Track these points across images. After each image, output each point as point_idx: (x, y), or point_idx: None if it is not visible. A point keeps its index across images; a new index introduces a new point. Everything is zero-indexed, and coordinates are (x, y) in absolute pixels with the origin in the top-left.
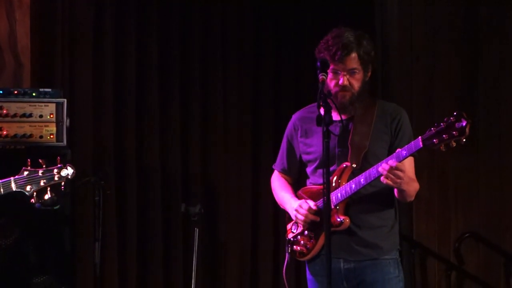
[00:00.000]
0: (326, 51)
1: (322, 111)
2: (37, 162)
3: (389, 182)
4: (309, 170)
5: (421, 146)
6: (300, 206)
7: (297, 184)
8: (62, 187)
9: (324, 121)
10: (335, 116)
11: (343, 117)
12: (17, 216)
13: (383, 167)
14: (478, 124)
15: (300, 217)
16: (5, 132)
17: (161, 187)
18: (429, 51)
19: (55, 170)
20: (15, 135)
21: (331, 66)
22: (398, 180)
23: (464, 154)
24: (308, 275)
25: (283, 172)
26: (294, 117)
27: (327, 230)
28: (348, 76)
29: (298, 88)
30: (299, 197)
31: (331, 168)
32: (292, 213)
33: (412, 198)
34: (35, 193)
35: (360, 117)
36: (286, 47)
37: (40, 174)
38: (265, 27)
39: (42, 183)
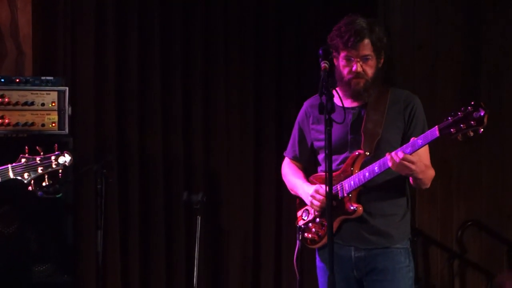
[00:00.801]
0: (338, 38)
1: (324, 99)
2: (35, 149)
3: (400, 172)
4: (320, 157)
5: (438, 135)
6: (316, 191)
7: (305, 172)
8: (60, 175)
9: (326, 109)
10: (348, 103)
11: (356, 104)
12: (19, 205)
13: (390, 160)
14: None
15: (316, 202)
16: (7, 121)
17: (163, 175)
18: (431, 39)
19: (53, 157)
20: (17, 123)
21: (344, 53)
22: (409, 171)
23: (466, 142)
24: (318, 263)
25: (294, 159)
26: (306, 104)
27: (329, 220)
28: (361, 63)
29: (300, 75)
30: (311, 183)
31: (344, 155)
32: (307, 199)
33: (428, 186)
34: (32, 181)
35: (373, 104)
36: (288, 34)
37: (37, 161)
38: (267, 11)
39: (39, 170)
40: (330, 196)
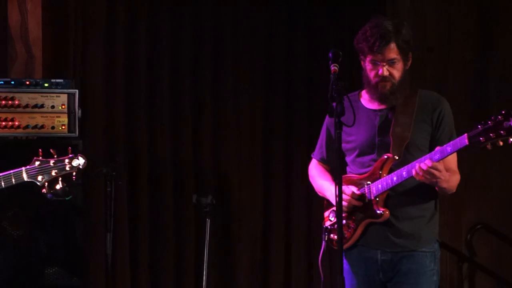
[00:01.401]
0: (364, 41)
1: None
2: (48, 152)
3: (424, 181)
4: (348, 159)
5: (467, 143)
6: (343, 192)
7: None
8: (74, 177)
9: (336, 113)
10: (375, 105)
11: (383, 106)
12: (29, 207)
13: (417, 167)
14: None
15: (343, 202)
16: (17, 123)
17: (173, 178)
18: (442, 42)
19: (67, 160)
20: (27, 126)
21: (370, 57)
22: (434, 180)
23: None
24: (345, 265)
25: (322, 161)
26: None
27: (339, 223)
28: (387, 67)
29: (310, 77)
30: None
31: (371, 157)
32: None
33: (453, 191)
34: (46, 183)
35: (401, 107)
36: (298, 35)
37: (51, 164)
38: (278, 14)
39: (53, 173)
40: (340, 200)
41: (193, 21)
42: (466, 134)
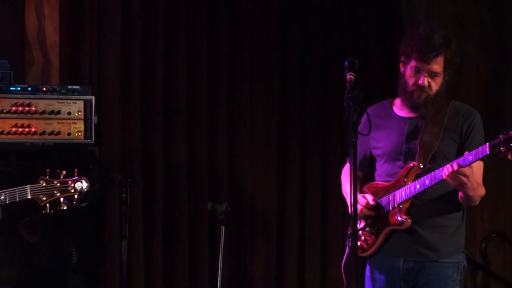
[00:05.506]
0: (414, 47)
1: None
2: (56, 172)
3: (452, 183)
4: (377, 164)
5: (488, 152)
6: (358, 201)
7: (364, 179)
8: (75, 201)
9: (352, 122)
10: (406, 113)
11: (414, 114)
12: (45, 213)
13: (446, 169)
14: (506, 123)
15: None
16: (33, 129)
17: (188, 185)
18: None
19: (70, 182)
20: (43, 132)
21: (414, 64)
22: (461, 184)
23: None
24: (367, 271)
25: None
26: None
27: (354, 232)
28: (429, 78)
29: (325, 85)
30: (362, 193)
31: (398, 164)
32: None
33: (476, 203)
34: (48, 204)
35: (432, 116)
36: (313, 43)
37: (55, 184)
38: (292, 20)
39: (56, 194)
40: (355, 207)
41: (210, 27)
42: (487, 143)
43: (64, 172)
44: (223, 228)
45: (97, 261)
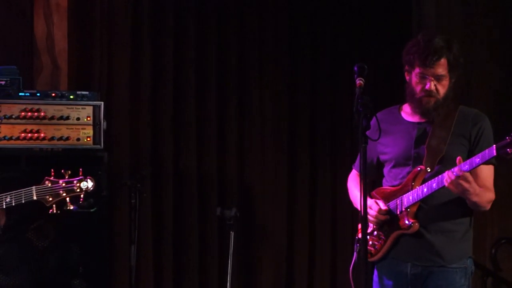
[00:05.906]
0: (416, 54)
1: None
2: (60, 172)
3: (454, 190)
4: (385, 170)
5: (495, 154)
6: (370, 207)
7: (372, 185)
8: (81, 200)
9: (361, 127)
10: (415, 118)
11: (423, 120)
12: (53, 218)
13: (448, 176)
14: None
15: (370, 218)
16: (42, 135)
17: (197, 191)
18: (466, 55)
19: (75, 181)
20: (52, 138)
21: (419, 70)
22: (462, 190)
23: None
24: (375, 277)
25: None
26: (375, 118)
27: (364, 236)
28: (435, 82)
29: (335, 90)
30: (372, 197)
31: (407, 169)
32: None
33: (486, 208)
34: (54, 205)
35: (440, 121)
36: (323, 48)
37: (61, 185)
38: (303, 24)
39: (62, 194)
40: (365, 211)
41: (219, 34)
42: (494, 145)
43: (69, 172)
44: (232, 233)
45: (105, 266)
